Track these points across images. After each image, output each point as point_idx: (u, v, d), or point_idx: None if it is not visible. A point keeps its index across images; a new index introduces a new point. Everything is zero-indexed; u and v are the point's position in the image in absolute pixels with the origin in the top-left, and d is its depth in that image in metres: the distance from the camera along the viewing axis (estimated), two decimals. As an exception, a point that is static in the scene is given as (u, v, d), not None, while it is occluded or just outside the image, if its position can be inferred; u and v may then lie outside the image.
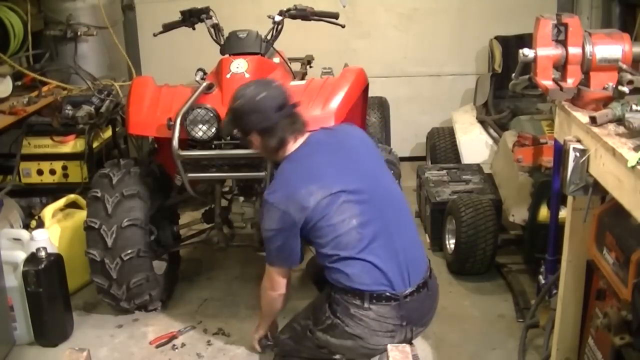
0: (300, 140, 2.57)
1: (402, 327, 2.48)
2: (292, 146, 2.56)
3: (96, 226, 3.19)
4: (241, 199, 3.45)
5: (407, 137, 5.66)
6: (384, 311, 2.44)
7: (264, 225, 2.52)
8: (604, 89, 2.18)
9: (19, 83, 4.33)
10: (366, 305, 2.43)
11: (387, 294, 2.43)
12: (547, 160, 3.37)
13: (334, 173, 2.48)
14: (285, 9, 3.63)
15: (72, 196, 3.80)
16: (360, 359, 2.59)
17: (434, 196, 4.05)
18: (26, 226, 3.83)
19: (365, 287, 2.42)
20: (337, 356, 2.57)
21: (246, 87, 2.59)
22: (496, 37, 5.02)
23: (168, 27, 3.78)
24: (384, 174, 2.66)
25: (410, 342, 2.54)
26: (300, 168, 2.52)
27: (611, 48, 2.18)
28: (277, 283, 2.65)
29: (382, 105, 4.99)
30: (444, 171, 4.41)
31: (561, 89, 2.25)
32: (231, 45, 3.44)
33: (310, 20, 3.74)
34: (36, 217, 3.65)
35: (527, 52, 2.26)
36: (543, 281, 3.05)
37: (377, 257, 2.42)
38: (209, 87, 3.20)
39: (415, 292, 2.47)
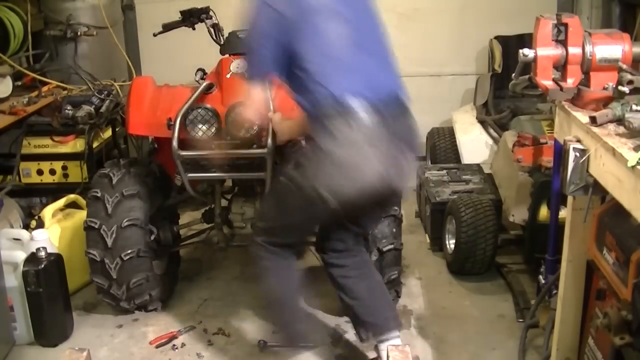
0: None
1: (381, 136, 2.37)
2: None
3: (96, 226, 3.19)
4: (241, 199, 3.45)
5: (407, 137, 5.65)
6: (366, 122, 2.36)
7: (250, 31, 2.47)
8: (604, 89, 2.18)
9: (19, 83, 4.33)
10: (341, 132, 2.34)
11: (369, 103, 2.37)
12: (547, 160, 3.37)
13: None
14: (285, 9, 3.63)
15: (72, 196, 3.80)
16: (346, 188, 2.40)
17: (434, 196, 4.05)
18: (26, 226, 3.83)
19: (340, 97, 2.35)
20: (324, 193, 2.38)
21: None
22: (496, 37, 5.02)
23: (168, 27, 3.79)
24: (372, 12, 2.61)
25: (400, 165, 2.45)
26: None
27: (611, 48, 2.18)
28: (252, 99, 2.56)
29: (382, 105, 4.98)
30: (444, 171, 4.41)
31: (561, 89, 2.25)
32: (231, 45, 3.44)
33: (310, 20, 3.74)
34: (36, 217, 3.64)
35: (527, 52, 2.26)
36: (543, 281, 3.05)
37: (353, 70, 2.41)
38: (209, 87, 3.20)
39: (391, 108, 2.43)
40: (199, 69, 3.42)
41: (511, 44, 4.86)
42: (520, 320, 3.27)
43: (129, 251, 3.20)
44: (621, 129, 1.97)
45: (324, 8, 2.41)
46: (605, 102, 2.15)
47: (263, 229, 2.69)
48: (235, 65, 3.25)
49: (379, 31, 2.60)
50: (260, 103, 2.58)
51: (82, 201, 3.74)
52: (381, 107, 2.38)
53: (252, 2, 2.42)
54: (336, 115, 2.35)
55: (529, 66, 2.32)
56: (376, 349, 2.78)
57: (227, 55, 3.38)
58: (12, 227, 3.80)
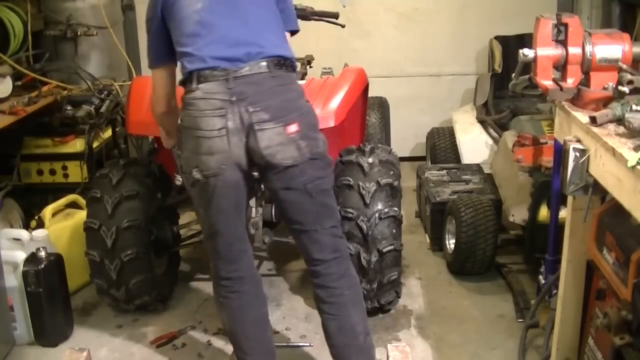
0: None
1: (231, 103, 2.31)
2: None
3: (96, 227, 3.19)
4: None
5: (407, 137, 5.66)
6: (211, 87, 2.33)
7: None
8: (604, 89, 2.18)
9: (19, 83, 4.32)
10: (194, 86, 2.35)
11: (215, 71, 2.33)
12: (547, 160, 3.37)
13: None
14: (285, 9, 3.62)
15: (72, 196, 3.80)
16: (208, 163, 2.36)
17: (434, 196, 4.05)
18: (26, 226, 3.82)
19: (194, 68, 2.36)
20: (195, 173, 2.37)
21: None
22: (496, 37, 5.02)
23: (168, 27, 3.77)
24: None
25: (251, 127, 2.31)
26: None
27: (611, 48, 2.18)
28: (154, 89, 2.63)
29: (382, 105, 4.99)
30: (444, 171, 4.41)
31: (561, 89, 2.25)
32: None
33: (310, 20, 3.75)
34: (36, 217, 3.64)
35: (527, 52, 2.26)
36: (543, 281, 3.06)
37: (210, 38, 2.38)
38: (209, 87, 3.19)
39: (249, 72, 2.34)
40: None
41: (511, 44, 4.87)
42: (520, 320, 3.27)
43: (129, 252, 3.20)
44: (621, 129, 1.97)
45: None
46: (605, 102, 2.15)
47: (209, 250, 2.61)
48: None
49: None
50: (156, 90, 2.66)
51: (82, 201, 3.74)
52: (231, 71, 2.33)
53: None
54: (188, 87, 2.39)
55: (529, 66, 2.32)
56: None
57: (227, 55, 3.37)
58: (12, 227, 3.80)
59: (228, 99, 2.32)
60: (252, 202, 3.09)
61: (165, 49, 2.56)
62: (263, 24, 2.47)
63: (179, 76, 2.52)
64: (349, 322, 2.53)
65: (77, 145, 4.16)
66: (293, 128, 2.35)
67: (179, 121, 2.44)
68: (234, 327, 2.58)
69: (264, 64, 2.37)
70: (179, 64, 2.47)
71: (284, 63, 2.44)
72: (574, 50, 2.22)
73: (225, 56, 2.36)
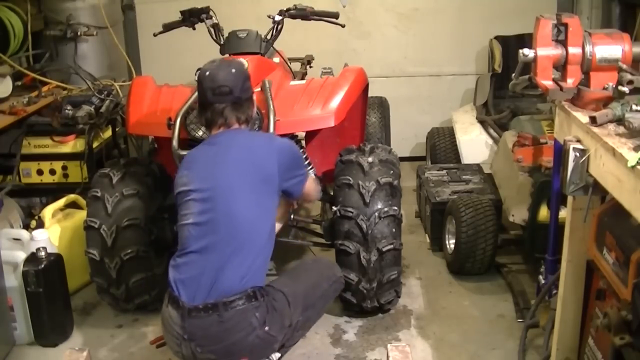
0: (218, 131, 2.59)
1: (185, 340, 2.37)
2: (213, 131, 2.60)
3: (96, 226, 3.19)
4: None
5: (407, 137, 5.66)
6: (174, 315, 2.39)
7: None
8: (604, 89, 2.18)
9: (19, 83, 4.33)
10: (165, 304, 2.45)
11: (179, 301, 2.37)
12: (547, 160, 3.37)
13: (201, 171, 2.50)
14: (285, 9, 3.63)
15: (72, 196, 3.80)
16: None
17: (434, 196, 4.05)
18: (26, 226, 3.82)
19: (170, 287, 2.43)
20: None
21: (214, 63, 2.67)
22: (496, 37, 5.02)
23: (168, 27, 3.78)
24: (244, 195, 2.43)
25: None
26: (190, 155, 2.63)
27: (611, 48, 2.19)
28: None
29: (382, 105, 4.99)
30: (444, 171, 4.41)
31: (561, 89, 2.25)
32: (231, 45, 3.44)
33: (310, 20, 3.74)
34: (36, 217, 3.65)
35: (527, 52, 2.26)
36: (543, 281, 3.05)
37: (189, 262, 2.41)
38: (209, 87, 3.19)
39: (201, 311, 2.34)
40: (199, 69, 3.41)
41: (511, 44, 4.87)
42: (520, 320, 3.27)
43: (129, 251, 3.20)
44: (621, 129, 1.97)
45: (182, 192, 2.50)
46: (605, 102, 2.15)
47: None
48: (235, 65, 3.24)
49: (241, 212, 2.42)
50: None
51: (82, 201, 3.74)
52: (192, 311, 2.35)
53: None
54: (166, 299, 2.45)
55: (529, 66, 2.32)
56: None
57: (227, 55, 3.38)
58: (12, 227, 3.80)
59: (181, 334, 2.38)
60: None
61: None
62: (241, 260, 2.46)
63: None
64: None
65: (77, 145, 4.16)
66: None
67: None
68: None
69: (214, 305, 2.37)
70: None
71: (238, 304, 2.37)
72: (574, 50, 2.23)
73: (191, 289, 2.42)
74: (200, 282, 2.37)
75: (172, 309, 2.39)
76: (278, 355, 2.49)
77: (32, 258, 3.15)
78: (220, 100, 2.53)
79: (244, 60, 3.02)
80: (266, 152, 2.52)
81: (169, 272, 2.44)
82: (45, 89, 4.34)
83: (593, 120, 2.04)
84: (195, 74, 3.37)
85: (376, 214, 3.09)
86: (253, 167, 2.48)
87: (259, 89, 3.10)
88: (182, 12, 3.71)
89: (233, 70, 2.58)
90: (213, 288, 2.36)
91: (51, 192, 4.12)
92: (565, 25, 2.24)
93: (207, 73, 2.57)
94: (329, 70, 4.36)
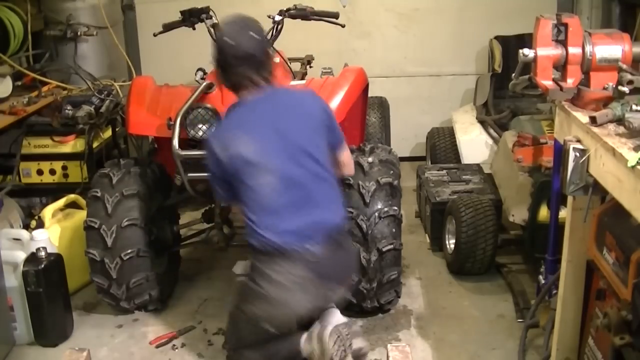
0: (256, 93, 2.55)
1: (312, 281, 2.42)
2: (246, 95, 2.56)
3: (96, 226, 3.19)
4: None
5: (407, 137, 5.66)
6: (293, 266, 2.40)
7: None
8: (604, 89, 2.18)
9: (19, 83, 4.33)
10: (278, 263, 2.42)
11: (296, 252, 2.40)
12: (547, 160, 3.37)
13: (259, 138, 2.48)
14: (285, 9, 3.63)
15: (72, 196, 3.80)
16: (289, 325, 2.52)
17: (434, 196, 4.05)
18: (26, 226, 3.82)
19: (275, 246, 2.41)
20: (269, 327, 2.48)
21: (230, 25, 2.64)
22: (496, 37, 5.02)
23: (168, 27, 3.78)
24: (312, 150, 2.52)
25: (330, 302, 2.54)
26: (237, 117, 2.56)
27: (611, 48, 2.19)
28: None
29: (382, 105, 4.99)
30: (444, 171, 4.41)
31: (561, 89, 2.25)
32: (231, 45, 3.43)
33: (310, 20, 3.74)
34: (36, 217, 3.65)
35: (527, 52, 2.26)
36: (543, 281, 3.05)
37: (286, 218, 2.43)
38: (209, 87, 3.20)
39: (323, 250, 2.42)
40: (199, 69, 3.42)
41: (511, 44, 4.87)
42: (520, 320, 3.27)
43: (129, 251, 3.20)
44: (621, 129, 1.97)
45: (249, 163, 2.46)
46: (605, 102, 2.15)
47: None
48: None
49: (315, 162, 2.50)
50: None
51: (82, 201, 3.74)
52: (315, 249, 2.41)
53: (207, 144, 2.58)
54: (273, 260, 2.43)
55: (529, 66, 2.32)
56: None
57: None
58: (12, 227, 3.80)
59: (310, 280, 2.44)
60: None
61: (231, 194, 2.61)
62: (328, 184, 2.58)
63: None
64: None
65: (77, 145, 4.16)
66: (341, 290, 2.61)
67: (256, 279, 2.48)
68: None
69: (336, 235, 2.53)
70: None
71: (342, 234, 2.60)
72: (574, 50, 2.23)
73: (306, 239, 2.45)
74: (308, 227, 2.43)
75: (289, 263, 2.39)
76: (360, 322, 2.63)
77: (32, 258, 3.15)
78: (245, 63, 2.53)
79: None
80: (316, 104, 2.65)
81: (262, 236, 2.42)
82: (45, 89, 4.35)
83: (593, 120, 2.04)
84: (196, 74, 3.39)
85: (376, 214, 3.09)
86: (311, 120, 2.57)
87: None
88: (182, 12, 3.71)
89: (252, 34, 2.56)
90: (318, 227, 2.45)
91: (51, 192, 4.12)
92: (565, 25, 2.24)
93: (228, 40, 2.54)
94: (329, 71, 4.36)
